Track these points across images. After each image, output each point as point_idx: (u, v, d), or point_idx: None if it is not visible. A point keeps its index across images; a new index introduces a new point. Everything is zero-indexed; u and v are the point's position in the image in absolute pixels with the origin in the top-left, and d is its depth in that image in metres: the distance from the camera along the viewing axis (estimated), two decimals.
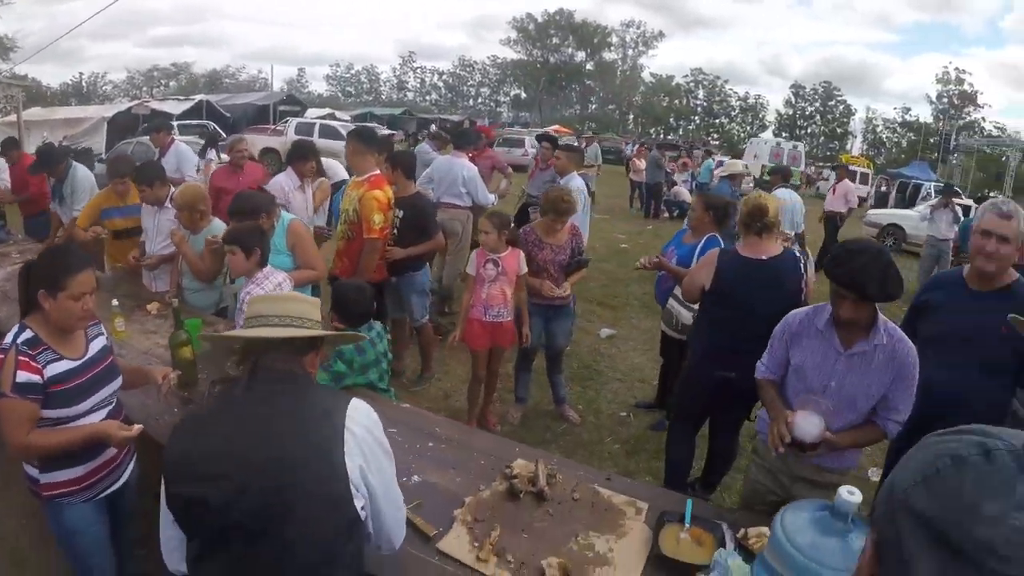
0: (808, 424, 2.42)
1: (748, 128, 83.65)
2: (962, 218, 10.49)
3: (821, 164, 46.87)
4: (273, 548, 1.60)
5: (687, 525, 2.25)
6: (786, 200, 7.60)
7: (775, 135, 68.31)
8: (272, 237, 4.12)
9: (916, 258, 12.46)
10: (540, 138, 8.99)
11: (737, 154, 22.19)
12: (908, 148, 71.57)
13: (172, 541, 1.73)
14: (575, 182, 6.09)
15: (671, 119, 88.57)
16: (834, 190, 12.42)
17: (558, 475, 2.53)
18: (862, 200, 24.70)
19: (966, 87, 75.58)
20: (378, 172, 5.10)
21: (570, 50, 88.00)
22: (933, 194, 20.57)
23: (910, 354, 2.50)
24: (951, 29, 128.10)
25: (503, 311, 4.48)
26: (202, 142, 16.76)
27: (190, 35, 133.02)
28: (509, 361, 5.28)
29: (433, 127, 22.17)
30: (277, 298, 2.06)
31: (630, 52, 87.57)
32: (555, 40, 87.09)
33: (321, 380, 2.30)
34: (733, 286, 3.58)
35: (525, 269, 4.51)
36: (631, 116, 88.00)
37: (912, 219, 16.53)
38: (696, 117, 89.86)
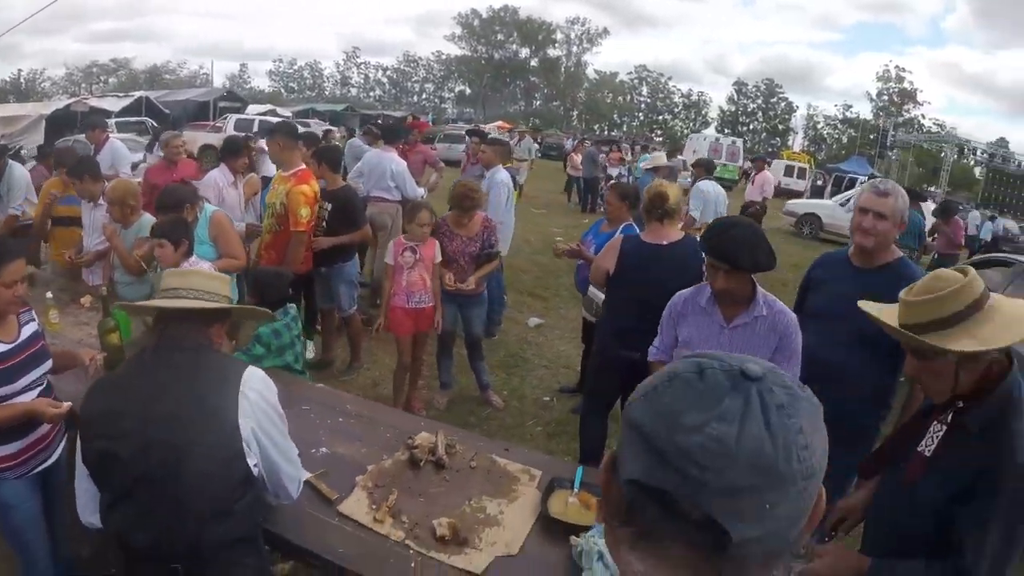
0: None
1: (691, 124, 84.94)
2: None
3: (761, 160, 47.95)
4: (172, 499, 1.78)
5: (576, 490, 2.41)
6: (709, 192, 7.89)
7: (718, 131, 69.55)
8: (195, 228, 4.24)
9: (833, 245, 12.89)
10: (470, 133, 9.17)
11: (678, 150, 22.57)
12: (849, 144, 73.28)
13: (86, 495, 1.93)
14: (499, 175, 6.28)
15: (615, 115, 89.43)
16: (753, 181, 12.89)
17: (458, 446, 2.70)
18: (799, 193, 25.48)
19: (906, 85, 77.96)
20: (304, 167, 5.22)
21: (515, 46, 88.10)
22: None
23: (790, 324, 2.67)
24: (893, 29, 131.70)
25: (424, 297, 4.64)
26: (140, 139, 16.69)
27: (131, 30, 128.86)
28: (433, 354, 5.42)
29: (380, 122, 22.21)
30: (188, 273, 2.24)
31: (574, 49, 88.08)
32: (500, 36, 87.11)
33: None
34: (635, 270, 3.74)
35: (440, 258, 4.67)
36: (575, 112, 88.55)
37: (828, 208, 17.49)
38: (640, 114, 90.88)
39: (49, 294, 4.20)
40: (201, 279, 2.12)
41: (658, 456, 0.65)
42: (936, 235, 10.61)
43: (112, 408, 1.85)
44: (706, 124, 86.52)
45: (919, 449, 1.91)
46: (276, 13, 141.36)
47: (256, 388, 1.93)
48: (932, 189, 44.46)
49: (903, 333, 1.79)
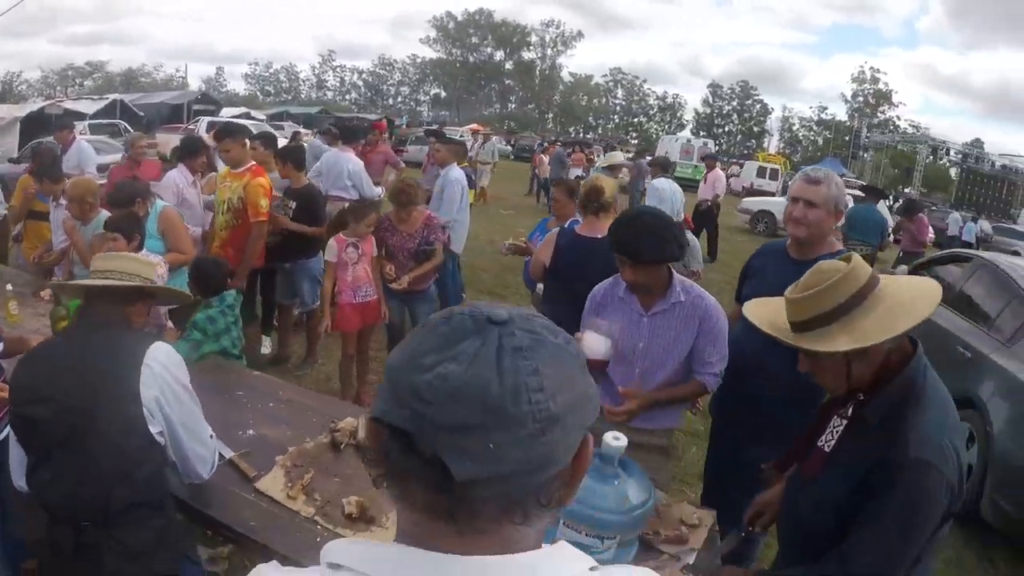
0: (592, 344, 2.57)
1: (666, 127, 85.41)
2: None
3: (731, 160, 48.55)
4: (81, 462, 1.95)
5: None
6: (665, 189, 8.04)
7: (693, 134, 70.03)
8: (146, 223, 4.33)
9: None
10: (428, 133, 9.26)
11: (647, 151, 22.85)
12: (824, 146, 74.08)
13: (16, 459, 2.12)
14: (453, 173, 6.40)
15: (590, 118, 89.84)
16: (705, 179, 12.97)
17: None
18: (772, 194, 25.80)
19: (881, 86, 79.04)
20: (254, 163, 5.31)
21: (489, 49, 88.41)
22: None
23: (709, 308, 2.69)
24: (868, 30, 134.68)
25: (369, 290, 4.76)
26: (113, 142, 16.68)
27: (107, 33, 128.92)
28: (383, 348, 5.50)
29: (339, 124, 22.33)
30: (114, 257, 2.40)
31: (549, 52, 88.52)
32: (474, 39, 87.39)
33: (181, 349, 2.54)
34: (570, 263, 3.78)
35: (375, 252, 4.81)
36: (550, 115, 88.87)
37: (781, 205, 17.62)
38: (615, 116, 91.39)
39: (9, 286, 4.30)
40: (125, 262, 2.30)
41: (394, 394, 0.67)
42: (901, 233, 10.83)
43: (34, 377, 2.05)
44: (681, 126, 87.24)
45: (819, 444, 1.92)
46: (253, 16, 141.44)
47: (160, 360, 2.08)
48: (907, 190, 45.25)
49: (779, 337, 1.79)
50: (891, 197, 30.91)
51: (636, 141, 68.51)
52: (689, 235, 8.32)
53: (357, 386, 5.11)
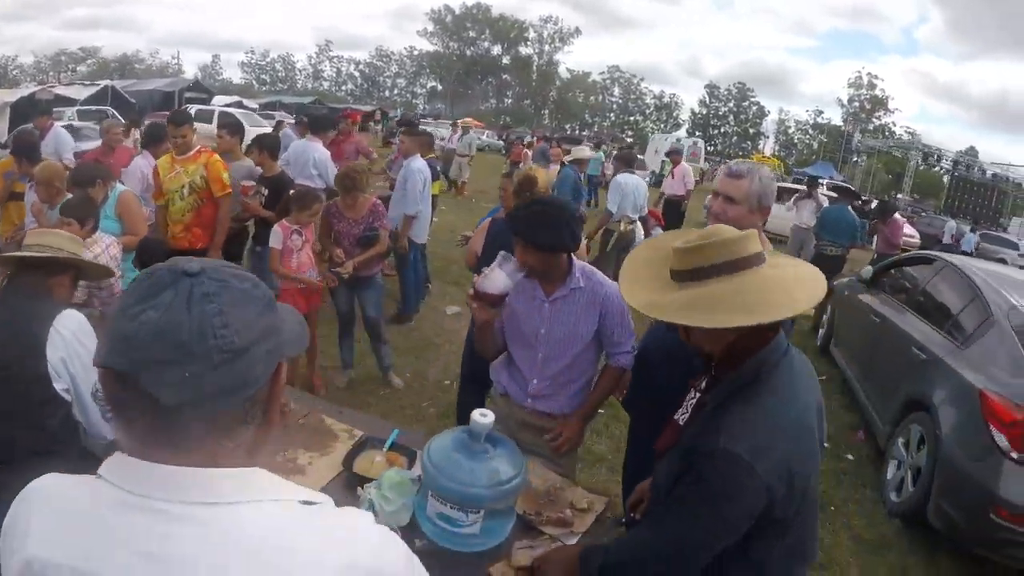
0: (494, 278, 2.59)
1: (662, 126, 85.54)
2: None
3: (719, 160, 49.01)
4: None
5: (385, 449, 2.55)
6: (627, 184, 8.14)
7: (689, 133, 70.18)
8: (104, 206, 4.51)
9: None
10: (400, 123, 9.37)
11: (632, 148, 22.94)
12: (820, 149, 74.23)
13: None
14: (415, 163, 6.54)
15: (586, 115, 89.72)
16: (672, 175, 12.84)
17: (292, 405, 2.92)
18: None
19: (877, 92, 79.39)
20: (200, 146, 5.46)
21: (487, 44, 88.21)
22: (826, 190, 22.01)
23: (609, 294, 2.74)
24: (868, 37, 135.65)
25: (313, 274, 4.90)
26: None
27: (106, 17, 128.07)
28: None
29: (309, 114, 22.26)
30: (45, 233, 2.65)
31: (547, 47, 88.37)
32: (472, 33, 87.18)
33: None
34: (500, 250, 3.93)
35: (314, 237, 4.98)
36: (546, 111, 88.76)
37: None
38: (611, 114, 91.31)
39: None
40: (54, 238, 2.55)
41: (111, 341, 0.80)
42: (876, 235, 10.95)
43: None
44: (677, 126, 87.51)
45: (675, 418, 1.92)
46: (255, 4, 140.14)
47: (71, 328, 2.33)
48: (898, 196, 45.62)
49: (630, 298, 1.74)
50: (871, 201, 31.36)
51: (632, 139, 68.51)
52: (658, 230, 8.44)
53: (307, 372, 5.25)
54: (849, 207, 9.85)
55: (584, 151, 9.01)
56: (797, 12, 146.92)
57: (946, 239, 28.28)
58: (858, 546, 4.30)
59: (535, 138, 27.88)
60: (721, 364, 1.70)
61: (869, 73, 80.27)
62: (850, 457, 5.46)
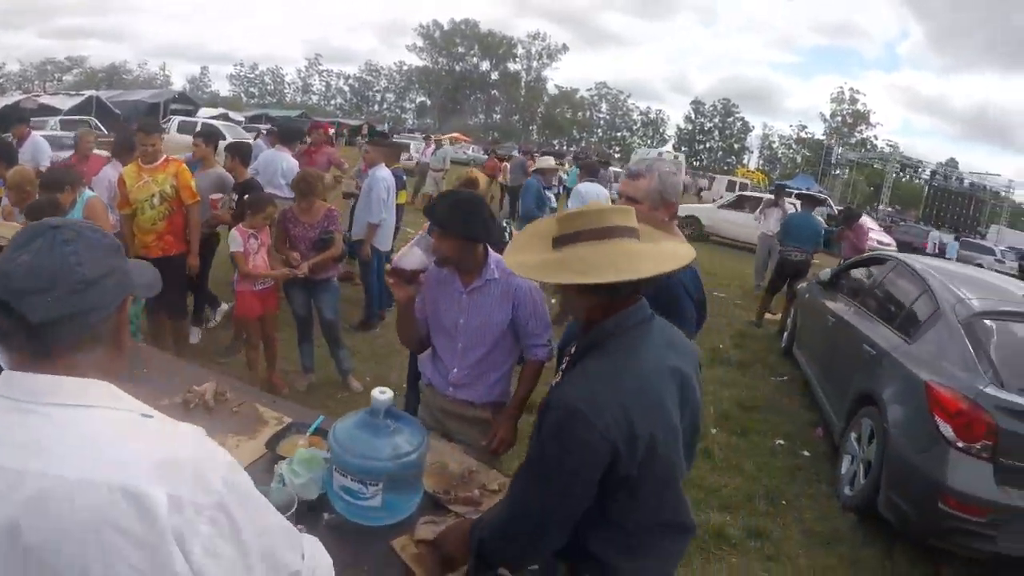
0: (410, 255, 2.68)
1: (648, 142, 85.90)
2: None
3: (701, 174, 49.74)
4: None
5: (308, 433, 2.61)
6: (588, 192, 8.20)
7: (675, 148, 70.79)
8: (71, 211, 4.59)
9: (715, 245, 14.77)
10: (371, 133, 9.46)
11: (606, 162, 23.22)
12: (803, 163, 75.01)
13: None
14: (380, 172, 6.62)
15: (574, 131, 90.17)
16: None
17: (228, 394, 3.00)
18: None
19: (859, 107, 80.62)
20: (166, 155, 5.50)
21: (475, 59, 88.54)
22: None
23: (520, 287, 2.82)
24: (850, 52, 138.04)
25: (268, 278, 4.99)
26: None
27: (96, 27, 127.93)
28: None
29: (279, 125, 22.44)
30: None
31: (535, 64, 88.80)
32: (460, 49, 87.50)
33: None
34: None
35: (270, 241, 5.07)
36: (534, 127, 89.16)
37: (707, 211, 19.68)
38: (599, 130, 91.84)
39: None
40: (6, 230, 2.55)
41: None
42: (843, 241, 11.10)
43: None
44: (663, 141, 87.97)
45: (551, 383, 1.90)
46: (245, 16, 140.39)
47: None
48: (880, 207, 46.45)
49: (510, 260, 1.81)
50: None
51: (619, 155, 68.99)
52: None
53: (267, 373, 5.31)
54: (813, 214, 9.99)
55: (548, 161, 9.10)
56: (782, 29, 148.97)
57: (930, 248, 28.71)
58: (808, 539, 4.34)
59: (518, 152, 28.05)
60: (584, 328, 1.76)
61: (851, 88, 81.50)
62: (806, 453, 5.55)
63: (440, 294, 2.91)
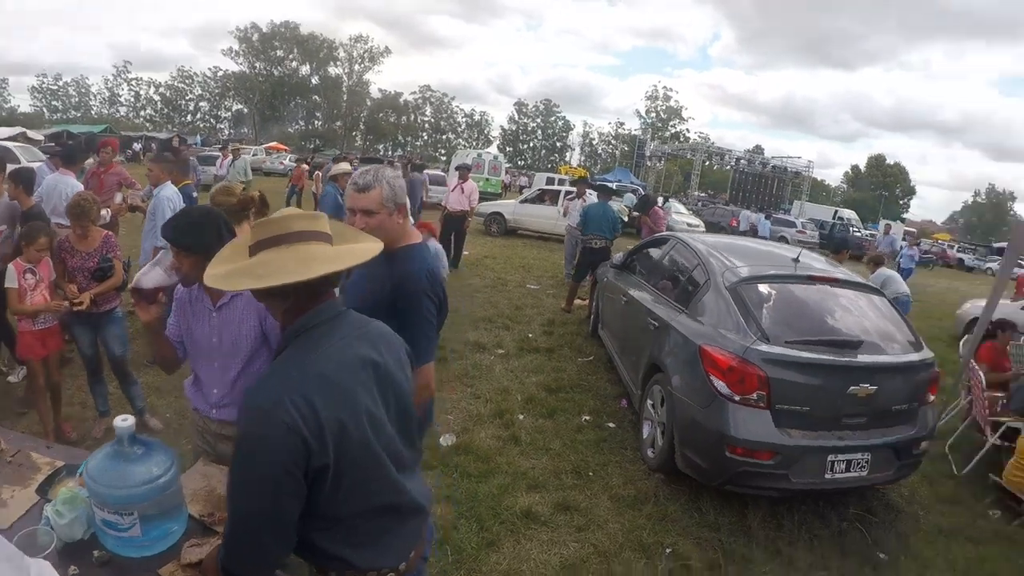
0: (151, 274, 2.65)
1: (474, 144, 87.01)
2: None
3: (519, 172, 51.72)
4: None
5: (78, 474, 2.47)
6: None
7: (500, 149, 72.36)
8: None
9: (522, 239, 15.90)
10: (162, 147, 9.05)
11: (423, 166, 23.32)
12: (622, 158, 78.69)
13: None
14: (165, 191, 6.25)
15: (399, 135, 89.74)
16: (463, 189, 12.55)
17: (2, 444, 2.86)
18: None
19: (672, 103, 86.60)
20: None
21: (295, 63, 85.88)
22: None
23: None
24: (666, 54, 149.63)
25: (49, 316, 4.63)
26: None
27: None
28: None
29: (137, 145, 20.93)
30: None
31: (357, 67, 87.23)
32: (280, 53, 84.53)
33: None
34: None
35: (54, 275, 4.67)
36: (357, 132, 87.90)
37: (510, 207, 20.49)
38: (424, 133, 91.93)
39: None
40: None
41: None
42: (642, 227, 11.86)
43: None
44: (488, 142, 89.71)
45: None
46: (44, 20, 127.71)
47: None
48: (695, 193, 50.31)
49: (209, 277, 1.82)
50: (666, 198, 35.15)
51: (445, 157, 69.44)
52: (433, 243, 8.69)
53: (55, 420, 4.91)
54: (608, 203, 10.61)
55: (343, 167, 9.00)
56: (600, 32, 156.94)
57: (743, 226, 30.87)
58: (617, 504, 4.63)
59: (333, 161, 27.62)
60: (282, 330, 1.82)
61: (665, 87, 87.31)
62: (612, 425, 5.90)
63: (192, 316, 2.84)
